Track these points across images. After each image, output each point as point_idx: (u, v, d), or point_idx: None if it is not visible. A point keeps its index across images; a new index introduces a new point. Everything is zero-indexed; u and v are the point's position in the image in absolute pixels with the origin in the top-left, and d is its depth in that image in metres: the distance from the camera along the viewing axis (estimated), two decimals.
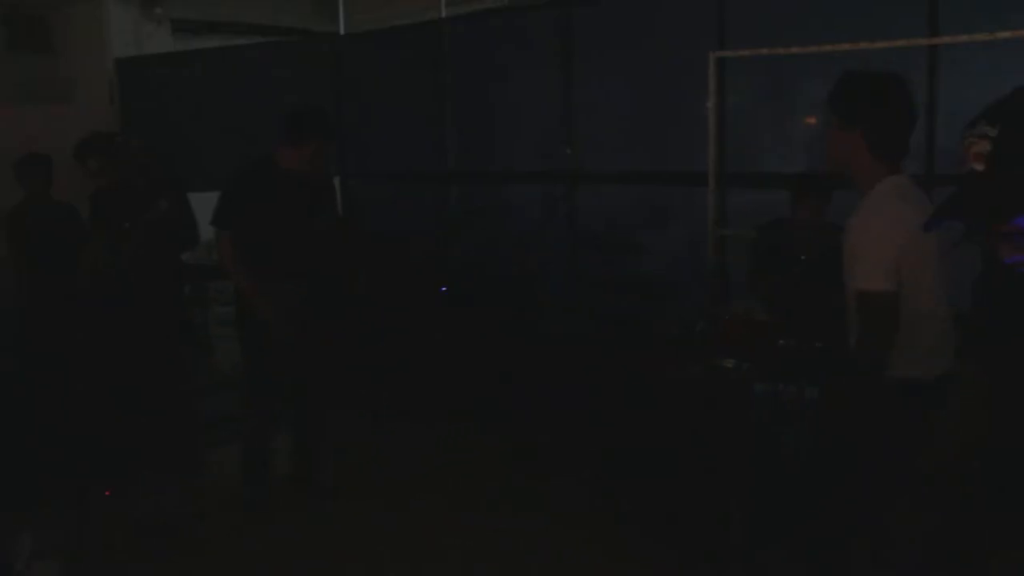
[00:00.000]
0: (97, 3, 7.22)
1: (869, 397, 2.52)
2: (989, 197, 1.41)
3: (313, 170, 4.19)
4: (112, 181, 4.89)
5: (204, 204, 4.51)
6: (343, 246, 4.52)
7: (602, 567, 3.68)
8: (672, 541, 3.78)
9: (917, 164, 4.51)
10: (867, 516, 2.52)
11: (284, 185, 4.17)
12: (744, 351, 3.53)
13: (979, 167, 1.40)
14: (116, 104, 6.74)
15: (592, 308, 4.78)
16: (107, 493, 4.62)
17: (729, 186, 4.80)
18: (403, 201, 6.07)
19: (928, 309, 2.54)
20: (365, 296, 5.38)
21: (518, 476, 4.58)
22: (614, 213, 5.26)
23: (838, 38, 4.21)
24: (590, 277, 4.82)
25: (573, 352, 4.71)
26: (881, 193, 2.58)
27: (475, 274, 5.62)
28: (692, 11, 5.10)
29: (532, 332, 5.08)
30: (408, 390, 5.49)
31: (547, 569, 3.69)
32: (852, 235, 2.57)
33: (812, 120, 4.82)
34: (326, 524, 4.27)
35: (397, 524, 4.24)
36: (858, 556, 2.49)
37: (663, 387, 3.97)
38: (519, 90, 5.82)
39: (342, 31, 7.02)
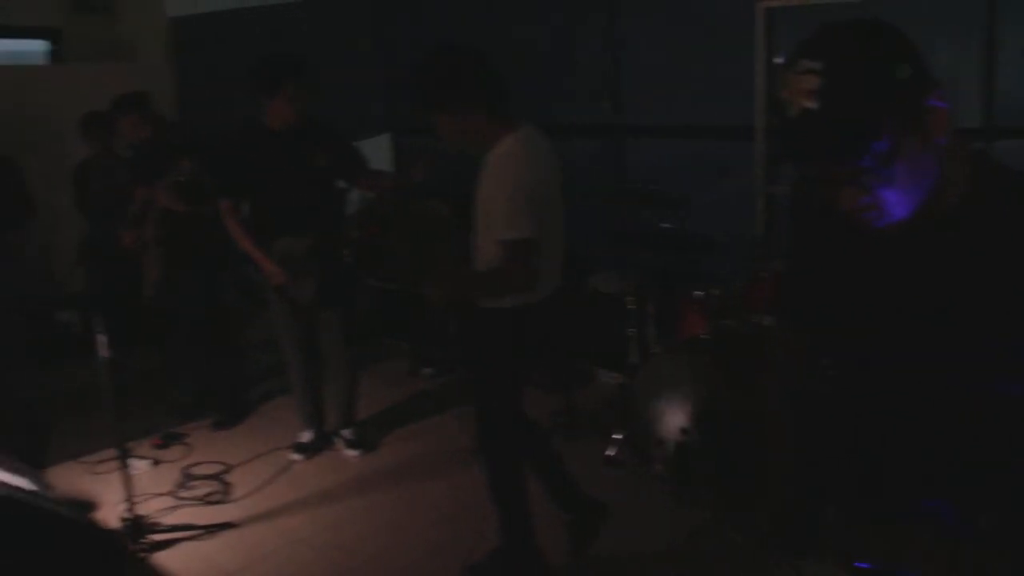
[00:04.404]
0: None
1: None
2: (826, 137, 1.30)
3: (295, 117, 4.20)
4: (139, 139, 5.02)
5: None
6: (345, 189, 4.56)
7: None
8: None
9: (975, 113, 4.36)
10: None
11: (269, 143, 4.23)
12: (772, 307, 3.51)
13: (811, 105, 1.30)
14: (172, 62, 6.87)
15: (635, 264, 4.75)
16: (156, 442, 4.87)
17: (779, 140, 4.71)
18: (449, 156, 6.06)
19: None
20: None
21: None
22: (660, 168, 5.21)
23: None
24: (635, 233, 4.79)
25: (613, 308, 4.70)
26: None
27: None
28: None
29: (576, 287, 5.08)
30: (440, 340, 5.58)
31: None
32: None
33: None
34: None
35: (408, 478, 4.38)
36: None
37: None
38: (566, 42, 5.76)
39: None
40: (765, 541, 1.80)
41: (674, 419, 3.93)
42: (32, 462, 3.99)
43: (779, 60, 4.71)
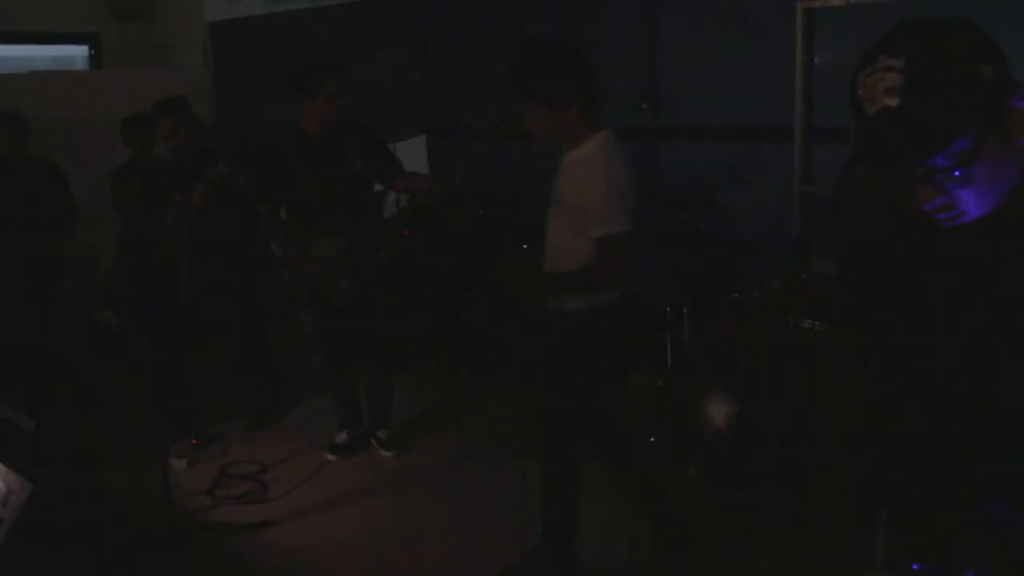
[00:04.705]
0: None
1: None
2: (905, 135, 1.27)
3: (332, 118, 4.23)
4: (178, 143, 5.06)
5: None
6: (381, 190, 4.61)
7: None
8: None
9: None
10: None
11: (305, 147, 4.26)
12: (816, 310, 3.47)
13: (892, 102, 1.27)
14: (210, 66, 6.94)
15: (673, 265, 4.73)
16: (194, 442, 4.90)
17: (816, 142, 4.67)
18: (485, 158, 6.10)
19: None
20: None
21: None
22: (697, 169, 5.18)
23: None
24: (672, 234, 4.77)
25: (649, 310, 4.68)
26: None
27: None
28: None
29: None
30: (476, 343, 5.57)
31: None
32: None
33: None
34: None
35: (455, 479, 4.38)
36: None
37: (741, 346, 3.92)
38: (602, 43, 5.75)
39: None
40: (811, 545, 1.78)
41: (711, 422, 3.90)
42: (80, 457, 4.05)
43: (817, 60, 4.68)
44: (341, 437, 4.74)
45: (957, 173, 1.31)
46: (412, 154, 6.68)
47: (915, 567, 1.51)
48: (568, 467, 3.30)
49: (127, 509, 4.19)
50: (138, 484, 4.45)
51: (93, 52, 7.78)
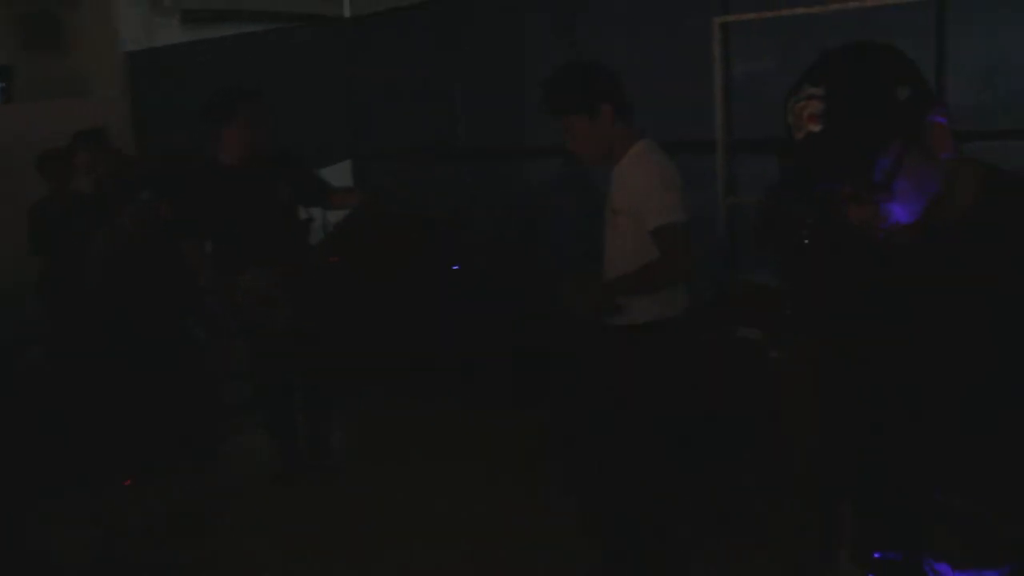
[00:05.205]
0: None
1: None
2: (830, 158, 1.36)
3: (252, 146, 4.15)
4: (99, 175, 4.95)
5: None
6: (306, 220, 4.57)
7: None
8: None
9: None
10: None
11: (227, 180, 4.18)
12: (755, 319, 3.52)
13: (815, 128, 1.36)
14: (128, 97, 6.81)
15: None
16: (126, 483, 4.76)
17: (738, 153, 4.79)
18: (414, 180, 6.10)
19: None
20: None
21: (527, 448, 4.67)
22: None
23: None
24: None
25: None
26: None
27: (488, 252, 5.63)
28: None
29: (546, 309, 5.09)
30: (420, 366, 5.54)
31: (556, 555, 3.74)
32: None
33: None
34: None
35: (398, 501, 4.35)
36: None
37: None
38: (527, 65, 5.81)
39: (347, 14, 7.05)
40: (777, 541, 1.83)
41: None
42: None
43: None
44: (280, 467, 4.66)
45: (881, 190, 1.37)
46: (338, 180, 6.65)
47: (876, 555, 1.56)
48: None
49: (56, 549, 4.07)
50: (72, 523, 4.33)
51: (4, 85, 7.56)
